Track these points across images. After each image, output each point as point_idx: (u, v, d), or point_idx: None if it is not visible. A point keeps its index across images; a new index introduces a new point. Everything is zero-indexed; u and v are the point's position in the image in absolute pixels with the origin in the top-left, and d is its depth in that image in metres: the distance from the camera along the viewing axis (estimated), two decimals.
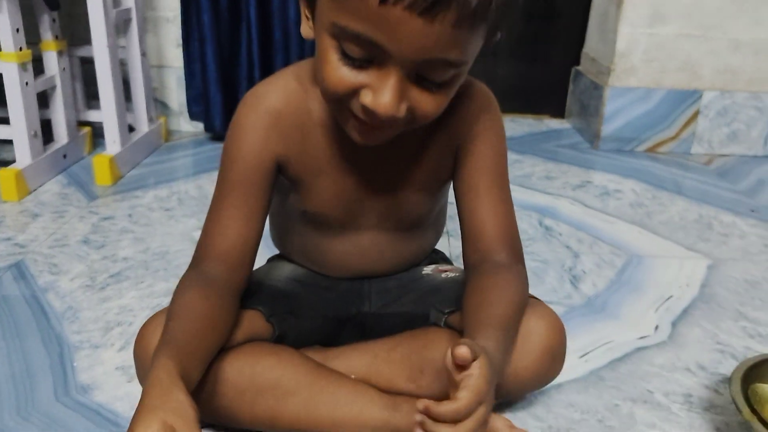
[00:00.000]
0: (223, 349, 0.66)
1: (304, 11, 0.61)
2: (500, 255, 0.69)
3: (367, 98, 0.55)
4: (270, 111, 0.66)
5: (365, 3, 0.51)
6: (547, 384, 0.74)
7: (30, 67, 1.34)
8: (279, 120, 0.66)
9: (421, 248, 0.82)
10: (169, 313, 0.63)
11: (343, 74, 0.55)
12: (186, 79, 1.70)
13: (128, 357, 0.85)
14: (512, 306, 0.65)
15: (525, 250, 1.15)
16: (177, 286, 0.66)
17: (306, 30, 0.61)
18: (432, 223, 0.80)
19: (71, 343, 0.88)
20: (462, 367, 0.52)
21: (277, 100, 0.67)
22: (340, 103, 0.58)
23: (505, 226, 0.70)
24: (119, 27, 1.51)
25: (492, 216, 0.69)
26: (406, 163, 0.70)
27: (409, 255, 0.80)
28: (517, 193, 1.42)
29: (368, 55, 0.54)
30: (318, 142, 0.68)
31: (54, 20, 1.42)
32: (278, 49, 1.65)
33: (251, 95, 0.68)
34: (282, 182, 0.71)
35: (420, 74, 0.55)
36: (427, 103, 0.56)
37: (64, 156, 1.49)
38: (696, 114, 1.73)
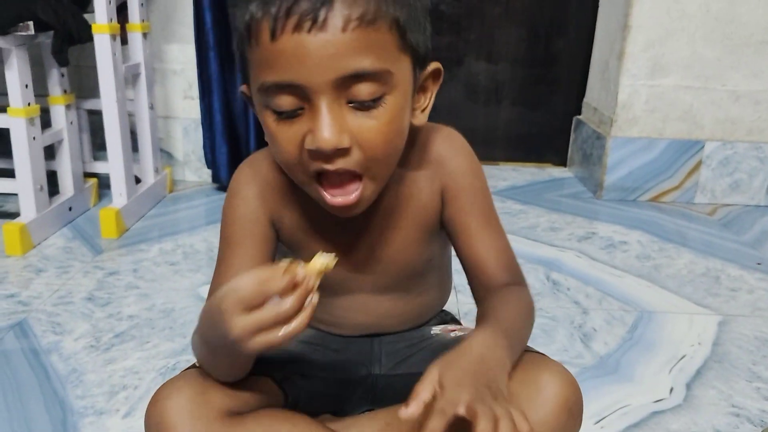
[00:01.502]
0: (239, 414, 0.65)
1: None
2: (504, 282, 0.70)
3: (308, 141, 0.56)
4: (263, 178, 0.69)
5: (264, 47, 0.53)
6: None
7: (38, 121, 1.35)
8: (271, 187, 0.69)
9: (427, 306, 0.81)
10: (196, 343, 0.63)
11: (286, 134, 0.57)
12: (203, 129, 1.70)
13: (133, 423, 0.83)
14: (517, 312, 0.65)
15: None
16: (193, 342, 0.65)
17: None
18: (436, 280, 0.79)
19: (75, 409, 0.86)
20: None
21: (269, 169, 0.69)
22: (301, 168, 0.58)
23: (504, 259, 0.71)
24: (128, 80, 1.53)
25: (489, 252, 0.70)
26: (393, 214, 0.71)
27: (415, 312, 0.80)
28: (522, 245, 1.43)
29: (295, 100, 0.55)
30: (306, 209, 0.69)
31: (63, 75, 1.44)
32: None
33: (246, 164, 0.71)
34: (281, 246, 0.73)
35: (350, 100, 0.55)
36: (369, 130, 0.56)
37: (70, 209, 1.49)
38: (699, 164, 1.74)
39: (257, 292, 0.50)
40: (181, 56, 1.75)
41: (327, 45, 0.52)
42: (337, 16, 0.51)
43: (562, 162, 2.07)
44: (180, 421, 0.60)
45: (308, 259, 0.67)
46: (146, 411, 0.66)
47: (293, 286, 0.51)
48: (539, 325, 1.10)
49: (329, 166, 0.57)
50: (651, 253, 1.42)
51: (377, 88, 0.55)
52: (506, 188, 1.85)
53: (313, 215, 0.69)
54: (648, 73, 1.69)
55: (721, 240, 1.51)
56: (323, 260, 0.53)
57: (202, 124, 1.69)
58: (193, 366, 0.67)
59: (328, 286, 0.75)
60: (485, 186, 0.72)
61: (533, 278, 1.27)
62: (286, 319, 0.51)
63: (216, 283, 0.69)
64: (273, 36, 0.52)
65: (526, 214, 1.65)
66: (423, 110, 0.63)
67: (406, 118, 0.60)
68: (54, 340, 1.02)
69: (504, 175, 1.98)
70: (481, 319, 0.66)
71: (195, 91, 1.73)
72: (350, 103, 0.55)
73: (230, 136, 1.66)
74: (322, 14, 0.51)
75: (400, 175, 0.69)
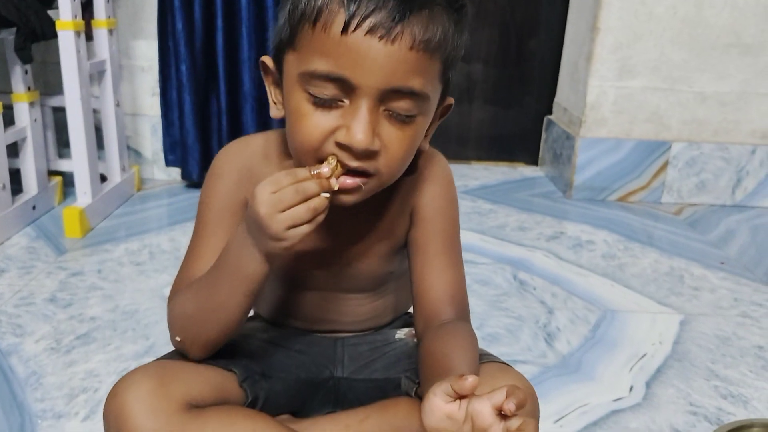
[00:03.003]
0: (198, 406, 0.64)
1: (271, 95, 0.66)
2: (446, 315, 0.70)
3: (341, 135, 0.57)
4: (244, 166, 0.70)
5: (328, 37, 0.55)
6: None
7: (0, 119, 1.32)
8: (251, 175, 0.70)
9: (388, 308, 0.81)
10: (182, 303, 0.66)
11: (317, 119, 0.58)
12: (163, 128, 1.69)
13: (93, 426, 0.82)
14: (467, 356, 0.64)
15: (499, 306, 1.18)
16: (170, 306, 0.67)
17: (274, 111, 0.66)
18: (400, 285, 0.80)
19: (34, 412, 0.85)
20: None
21: (250, 158, 0.71)
22: (314, 153, 0.59)
23: (453, 290, 0.71)
24: (93, 77, 1.50)
25: (439, 280, 0.70)
26: (362, 225, 0.71)
27: (376, 312, 0.80)
28: (491, 245, 1.43)
29: (338, 93, 0.57)
30: None
31: (26, 72, 1.41)
32: (247, 98, 1.66)
33: (225, 151, 0.72)
34: None
35: (387, 109, 0.58)
36: (395, 140, 0.59)
37: (33, 207, 1.47)
38: (666, 164, 1.76)
39: (287, 173, 0.56)
40: (149, 53, 1.72)
41: (390, 57, 0.55)
42: (407, 35, 0.55)
43: (533, 161, 2.08)
44: (139, 413, 0.60)
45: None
46: (105, 404, 0.66)
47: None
48: (505, 325, 1.10)
49: (351, 163, 0.59)
50: (616, 252, 1.44)
51: (414, 107, 0.59)
52: (477, 187, 1.86)
53: None
54: (616, 75, 1.71)
55: (686, 239, 1.54)
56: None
57: (164, 122, 1.67)
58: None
59: (291, 280, 0.75)
60: (455, 215, 0.73)
61: (501, 278, 1.27)
62: (306, 196, 0.55)
63: (187, 263, 0.69)
64: (345, 30, 0.54)
65: (496, 213, 1.66)
66: (427, 136, 0.67)
67: (420, 140, 0.64)
68: (14, 342, 1.00)
69: (476, 174, 1.99)
70: (429, 369, 0.63)
71: None
72: (386, 110, 0.58)
73: (203, 135, 1.65)
74: (397, 29, 0.54)
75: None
